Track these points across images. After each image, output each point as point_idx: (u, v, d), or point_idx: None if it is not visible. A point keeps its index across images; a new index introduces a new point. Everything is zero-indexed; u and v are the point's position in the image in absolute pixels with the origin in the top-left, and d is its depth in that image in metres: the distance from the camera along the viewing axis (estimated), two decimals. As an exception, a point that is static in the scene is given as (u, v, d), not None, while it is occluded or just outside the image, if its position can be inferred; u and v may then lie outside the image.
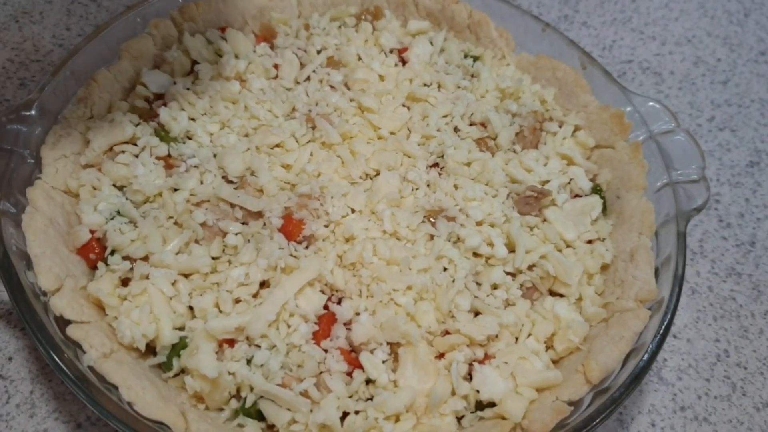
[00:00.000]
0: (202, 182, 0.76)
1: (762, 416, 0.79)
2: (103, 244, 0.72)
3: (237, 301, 0.68)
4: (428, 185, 0.79)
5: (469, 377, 0.67)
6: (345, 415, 0.64)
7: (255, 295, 0.69)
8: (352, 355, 0.67)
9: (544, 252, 0.74)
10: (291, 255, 0.70)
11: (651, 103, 0.84)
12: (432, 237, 0.74)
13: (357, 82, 0.89)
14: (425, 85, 0.91)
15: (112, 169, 0.76)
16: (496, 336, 0.69)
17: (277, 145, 0.81)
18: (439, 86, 0.91)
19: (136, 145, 0.79)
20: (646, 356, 0.66)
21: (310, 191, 0.75)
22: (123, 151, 0.78)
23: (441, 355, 0.68)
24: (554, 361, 0.70)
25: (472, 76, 0.93)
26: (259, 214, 0.73)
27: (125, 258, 0.70)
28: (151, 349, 0.67)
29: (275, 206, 0.73)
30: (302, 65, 0.91)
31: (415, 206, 0.77)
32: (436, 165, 0.82)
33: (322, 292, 0.70)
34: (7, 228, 0.68)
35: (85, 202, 0.74)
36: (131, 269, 0.70)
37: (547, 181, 0.81)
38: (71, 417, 0.73)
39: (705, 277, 0.90)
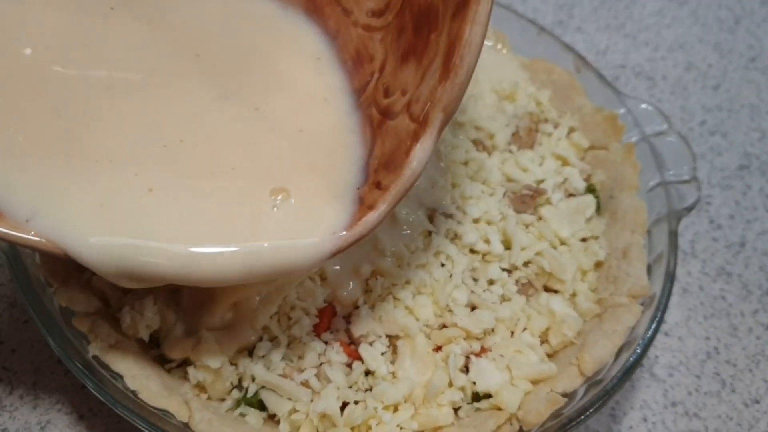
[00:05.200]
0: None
1: (750, 412, 0.81)
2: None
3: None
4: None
5: (466, 369, 0.69)
6: (345, 405, 0.65)
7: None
8: (352, 347, 0.68)
9: (540, 249, 0.76)
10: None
11: (644, 106, 0.86)
12: (430, 233, 0.76)
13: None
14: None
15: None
16: (493, 330, 0.71)
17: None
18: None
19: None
20: (638, 350, 0.67)
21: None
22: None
23: (438, 348, 0.69)
24: (549, 355, 0.72)
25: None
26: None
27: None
28: (154, 340, 0.68)
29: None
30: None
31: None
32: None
33: (323, 285, 0.71)
34: (13, 221, 0.69)
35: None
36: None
37: (543, 181, 0.83)
38: (74, 408, 0.74)
39: (696, 277, 0.92)
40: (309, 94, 0.64)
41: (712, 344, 0.86)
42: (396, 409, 0.66)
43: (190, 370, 0.66)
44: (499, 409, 0.66)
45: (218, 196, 0.56)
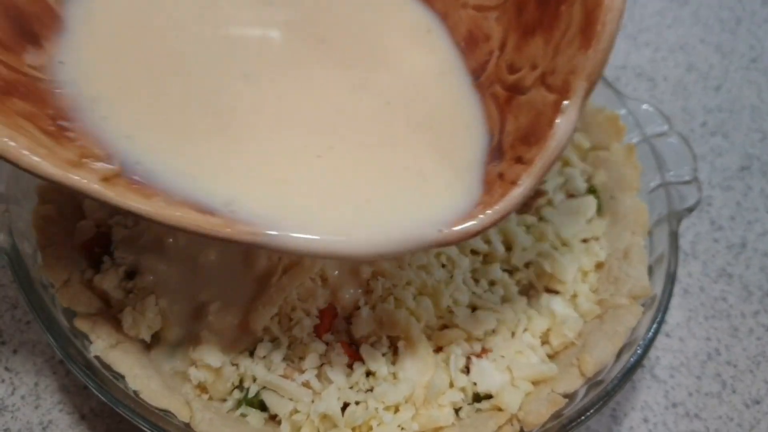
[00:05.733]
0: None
1: (751, 413, 0.81)
2: (109, 238, 0.73)
3: (241, 293, 0.70)
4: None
5: (467, 370, 0.69)
6: (346, 405, 0.65)
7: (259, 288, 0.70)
8: (353, 348, 0.68)
9: (541, 250, 0.76)
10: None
11: (645, 107, 0.86)
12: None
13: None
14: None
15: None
16: (493, 331, 0.71)
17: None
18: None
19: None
20: (639, 350, 0.68)
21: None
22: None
23: (439, 349, 0.69)
24: (550, 356, 0.72)
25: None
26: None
27: (130, 252, 0.72)
28: (155, 340, 0.69)
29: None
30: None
31: None
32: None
33: (324, 286, 0.71)
34: (15, 222, 0.70)
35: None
36: (136, 263, 0.71)
37: (544, 182, 0.83)
38: (75, 408, 0.74)
39: (697, 278, 0.92)
40: (424, 73, 0.65)
41: (713, 345, 0.86)
42: (397, 410, 0.66)
43: (192, 370, 0.66)
44: (500, 409, 0.66)
45: (358, 177, 0.57)
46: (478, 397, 0.68)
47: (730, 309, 0.89)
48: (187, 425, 0.63)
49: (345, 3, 0.67)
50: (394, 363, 0.68)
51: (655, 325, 0.69)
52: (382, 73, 0.63)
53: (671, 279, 0.73)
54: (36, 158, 0.47)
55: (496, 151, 0.59)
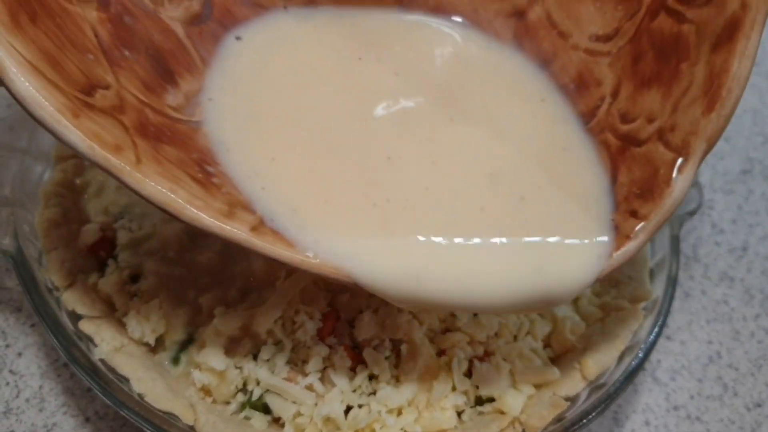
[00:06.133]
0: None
1: (753, 416, 0.81)
2: (113, 242, 0.74)
3: (243, 297, 0.70)
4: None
5: (469, 373, 0.69)
6: (349, 408, 0.66)
7: (261, 292, 0.71)
8: (356, 352, 0.69)
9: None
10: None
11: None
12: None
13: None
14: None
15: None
16: (496, 334, 0.71)
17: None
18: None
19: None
20: (640, 354, 0.68)
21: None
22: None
23: (442, 352, 0.70)
24: (552, 359, 0.72)
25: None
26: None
27: (134, 255, 0.72)
28: (159, 344, 0.69)
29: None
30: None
31: None
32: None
33: (327, 290, 0.71)
34: (20, 225, 0.70)
35: (94, 200, 0.76)
36: (140, 266, 0.72)
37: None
38: (80, 411, 0.75)
39: (698, 281, 0.92)
40: (539, 121, 0.65)
41: (715, 348, 0.86)
42: (400, 413, 0.66)
43: (195, 373, 0.66)
44: (502, 412, 0.66)
45: (485, 232, 0.57)
46: (480, 400, 0.68)
47: (732, 312, 0.89)
48: (192, 428, 0.63)
49: (471, 82, 0.67)
50: (396, 366, 0.68)
51: (656, 329, 0.70)
52: (506, 146, 0.63)
53: (672, 282, 0.73)
54: (195, 211, 0.48)
55: (613, 200, 0.60)
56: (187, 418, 0.63)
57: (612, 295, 0.74)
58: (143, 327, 0.67)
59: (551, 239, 0.56)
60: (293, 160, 0.58)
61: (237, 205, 0.51)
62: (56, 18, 0.49)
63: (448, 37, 0.70)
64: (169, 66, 0.58)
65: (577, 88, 0.66)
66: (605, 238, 0.57)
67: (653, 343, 0.69)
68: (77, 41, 0.50)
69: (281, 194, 0.55)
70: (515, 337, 0.72)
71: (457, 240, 0.55)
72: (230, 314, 0.68)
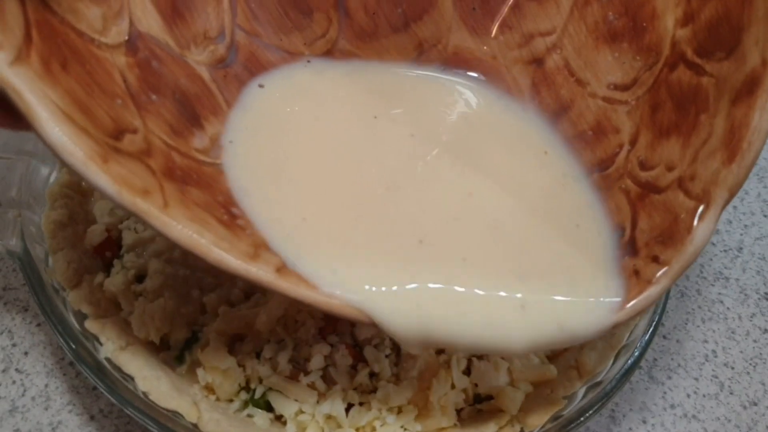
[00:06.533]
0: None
1: (749, 414, 0.82)
2: (118, 242, 0.75)
3: (247, 297, 0.71)
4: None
5: (468, 372, 0.70)
6: (350, 406, 0.67)
7: (264, 291, 0.72)
8: (357, 350, 0.70)
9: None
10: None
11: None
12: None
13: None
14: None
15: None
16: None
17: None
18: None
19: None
20: (636, 352, 0.69)
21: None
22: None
23: (441, 351, 0.71)
24: (549, 358, 0.73)
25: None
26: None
27: (139, 256, 0.74)
28: (164, 343, 0.70)
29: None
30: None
31: None
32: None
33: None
34: (27, 226, 0.71)
35: (100, 202, 0.77)
36: (145, 267, 0.73)
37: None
38: (85, 409, 0.76)
39: (694, 281, 0.93)
40: (549, 186, 0.66)
41: (710, 347, 0.87)
42: (400, 411, 0.67)
43: (199, 371, 0.67)
44: (501, 410, 0.67)
45: (504, 280, 0.58)
46: (479, 398, 0.69)
47: (727, 312, 0.90)
48: (195, 426, 0.64)
49: (481, 137, 0.69)
50: (397, 365, 0.69)
51: (652, 328, 0.71)
52: (512, 191, 0.65)
53: (668, 282, 0.74)
54: (222, 253, 0.48)
55: (629, 246, 0.60)
56: (190, 415, 0.64)
57: (609, 295, 0.75)
58: (148, 326, 0.68)
59: (564, 297, 0.57)
60: (311, 209, 0.59)
61: (261, 246, 0.52)
62: (86, 64, 0.50)
63: (461, 93, 0.71)
64: (195, 109, 0.59)
65: (595, 135, 0.67)
66: (619, 288, 0.58)
67: (649, 342, 0.70)
68: (106, 87, 0.51)
69: (302, 240, 0.56)
70: (513, 336, 0.73)
71: (483, 292, 0.56)
72: (233, 313, 0.69)
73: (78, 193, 0.77)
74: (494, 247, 0.60)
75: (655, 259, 0.57)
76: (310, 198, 0.60)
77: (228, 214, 0.53)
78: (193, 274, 0.72)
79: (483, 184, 0.64)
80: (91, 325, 0.68)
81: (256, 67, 0.66)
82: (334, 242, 0.57)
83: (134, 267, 0.72)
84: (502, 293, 0.56)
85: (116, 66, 0.53)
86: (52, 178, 0.77)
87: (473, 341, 0.55)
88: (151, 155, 0.51)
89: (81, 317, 0.69)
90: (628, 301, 0.56)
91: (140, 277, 0.73)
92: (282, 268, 0.51)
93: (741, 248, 0.97)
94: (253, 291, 0.71)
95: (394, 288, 0.55)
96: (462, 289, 0.56)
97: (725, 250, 0.96)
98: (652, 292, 0.55)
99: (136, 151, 0.50)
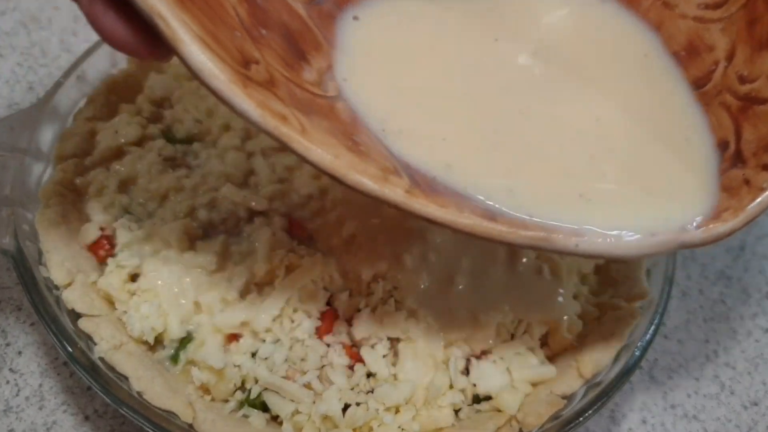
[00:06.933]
0: (206, 182, 0.78)
1: (749, 414, 0.81)
2: (113, 241, 0.74)
3: (243, 296, 0.70)
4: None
5: (467, 372, 0.69)
6: (347, 406, 0.66)
7: (260, 292, 0.71)
8: (354, 350, 0.69)
9: (540, 253, 0.77)
10: (294, 252, 0.72)
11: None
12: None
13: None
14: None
15: (119, 168, 0.78)
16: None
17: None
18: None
19: (142, 146, 0.81)
20: (636, 352, 0.68)
21: (311, 191, 0.77)
22: (130, 152, 0.80)
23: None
24: (549, 357, 0.72)
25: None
26: (263, 213, 0.76)
27: (134, 255, 0.73)
28: (158, 342, 0.69)
29: (278, 205, 0.76)
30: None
31: None
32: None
33: (325, 288, 0.72)
34: (20, 225, 0.71)
35: (94, 200, 0.77)
36: (139, 265, 0.72)
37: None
38: (79, 409, 0.75)
39: (695, 281, 0.93)
40: (652, 94, 0.66)
41: (712, 347, 0.86)
42: (397, 411, 0.66)
43: (194, 371, 0.67)
44: (499, 410, 0.67)
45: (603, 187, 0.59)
46: (477, 399, 0.69)
47: (729, 311, 0.90)
48: (190, 426, 0.64)
49: (584, 45, 0.69)
50: (394, 364, 0.69)
51: (653, 327, 0.70)
52: (616, 97, 0.65)
53: (669, 281, 0.74)
54: (358, 176, 0.49)
55: (735, 159, 0.60)
56: (185, 416, 0.64)
57: (609, 294, 0.75)
58: (142, 325, 0.67)
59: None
60: (439, 121, 0.60)
61: (387, 170, 0.53)
62: None
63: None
64: (298, 44, 0.59)
65: (688, 55, 0.67)
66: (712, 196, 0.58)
67: (650, 342, 0.69)
68: (225, 19, 0.52)
69: (438, 154, 0.57)
70: (512, 336, 0.72)
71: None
72: (229, 312, 0.68)
73: (72, 191, 0.76)
74: (619, 166, 0.60)
75: (766, 167, 0.57)
76: (455, 126, 0.60)
77: (351, 140, 0.54)
78: (189, 273, 0.72)
79: (608, 109, 0.64)
80: (84, 324, 0.67)
81: (345, 2, 0.66)
82: (466, 155, 0.57)
83: (129, 266, 0.71)
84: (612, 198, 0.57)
85: (229, 0, 0.54)
86: (45, 176, 0.77)
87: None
88: (275, 85, 0.52)
89: (74, 316, 0.68)
90: (740, 210, 0.55)
91: (134, 276, 0.72)
92: (411, 189, 0.51)
93: (743, 247, 0.96)
94: (248, 290, 0.71)
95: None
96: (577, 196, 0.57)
97: (727, 250, 0.96)
98: (765, 197, 0.55)
99: (263, 81, 0.50)
